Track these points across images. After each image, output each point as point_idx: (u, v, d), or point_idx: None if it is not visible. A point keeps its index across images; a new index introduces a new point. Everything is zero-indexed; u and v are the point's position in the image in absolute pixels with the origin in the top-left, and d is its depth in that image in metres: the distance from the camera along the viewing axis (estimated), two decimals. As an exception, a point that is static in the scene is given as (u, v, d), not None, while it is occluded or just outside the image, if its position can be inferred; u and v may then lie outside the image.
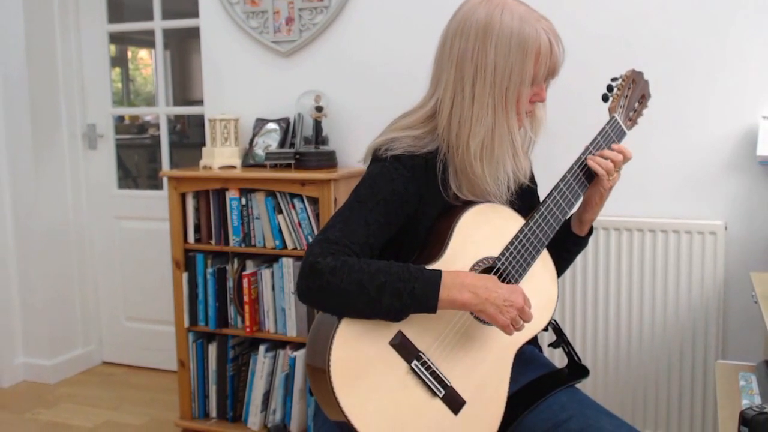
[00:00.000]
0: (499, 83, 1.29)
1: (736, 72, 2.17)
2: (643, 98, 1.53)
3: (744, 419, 1.24)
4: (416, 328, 1.26)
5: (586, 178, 1.41)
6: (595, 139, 1.43)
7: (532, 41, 1.28)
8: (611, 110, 1.46)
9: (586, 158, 1.41)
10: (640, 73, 1.52)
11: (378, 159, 1.34)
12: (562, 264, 1.50)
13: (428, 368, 1.25)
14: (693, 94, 2.21)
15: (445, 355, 1.28)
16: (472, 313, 1.30)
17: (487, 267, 1.33)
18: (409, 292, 1.20)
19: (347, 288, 1.19)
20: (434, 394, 1.25)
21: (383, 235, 1.29)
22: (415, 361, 1.24)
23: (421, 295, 1.20)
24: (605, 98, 1.48)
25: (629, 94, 1.49)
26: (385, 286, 1.19)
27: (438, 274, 1.22)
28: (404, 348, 1.23)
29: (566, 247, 1.51)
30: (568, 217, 1.41)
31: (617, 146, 1.41)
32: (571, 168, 1.40)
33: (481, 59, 1.29)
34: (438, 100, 1.35)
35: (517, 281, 1.34)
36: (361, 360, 1.21)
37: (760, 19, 2.12)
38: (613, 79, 1.49)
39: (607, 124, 1.44)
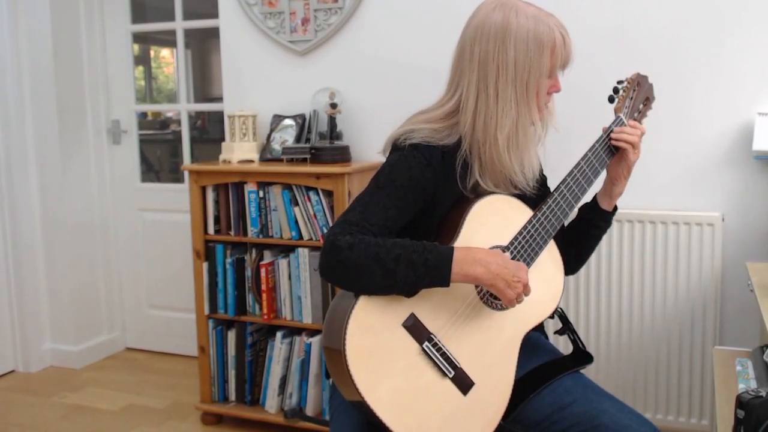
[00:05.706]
0: (520, 78, 1.36)
1: (733, 70, 2.19)
2: (648, 100, 1.57)
3: (740, 403, 1.27)
4: (428, 311, 1.29)
5: (593, 175, 1.46)
6: (601, 136, 1.48)
7: (546, 37, 1.35)
8: (617, 110, 1.51)
9: (594, 149, 1.46)
10: (645, 77, 1.56)
11: (397, 148, 1.40)
12: (590, 243, 1.56)
13: (439, 350, 1.28)
14: (692, 91, 2.24)
15: (455, 337, 1.31)
16: (480, 298, 1.35)
17: None
18: (423, 263, 1.23)
19: (364, 262, 1.22)
20: (444, 374, 1.29)
21: (400, 220, 1.34)
22: (426, 343, 1.27)
23: (435, 266, 1.24)
24: (611, 99, 1.53)
25: (634, 96, 1.53)
26: (401, 258, 1.23)
27: (451, 248, 1.27)
28: (416, 330, 1.27)
29: (594, 223, 1.54)
30: (573, 210, 1.46)
31: (632, 122, 1.49)
32: (578, 164, 1.45)
33: (502, 58, 1.35)
34: (460, 99, 1.40)
35: None
36: (375, 341, 1.23)
37: (757, 19, 2.16)
38: (619, 82, 1.54)
39: (613, 123, 1.49)
